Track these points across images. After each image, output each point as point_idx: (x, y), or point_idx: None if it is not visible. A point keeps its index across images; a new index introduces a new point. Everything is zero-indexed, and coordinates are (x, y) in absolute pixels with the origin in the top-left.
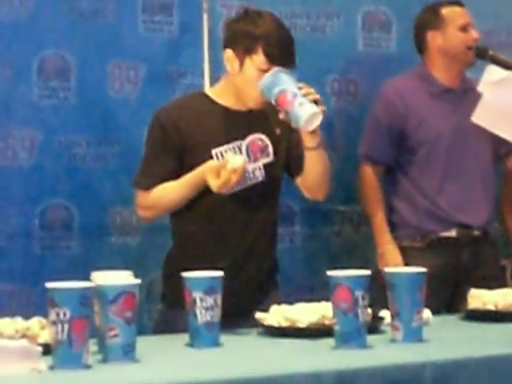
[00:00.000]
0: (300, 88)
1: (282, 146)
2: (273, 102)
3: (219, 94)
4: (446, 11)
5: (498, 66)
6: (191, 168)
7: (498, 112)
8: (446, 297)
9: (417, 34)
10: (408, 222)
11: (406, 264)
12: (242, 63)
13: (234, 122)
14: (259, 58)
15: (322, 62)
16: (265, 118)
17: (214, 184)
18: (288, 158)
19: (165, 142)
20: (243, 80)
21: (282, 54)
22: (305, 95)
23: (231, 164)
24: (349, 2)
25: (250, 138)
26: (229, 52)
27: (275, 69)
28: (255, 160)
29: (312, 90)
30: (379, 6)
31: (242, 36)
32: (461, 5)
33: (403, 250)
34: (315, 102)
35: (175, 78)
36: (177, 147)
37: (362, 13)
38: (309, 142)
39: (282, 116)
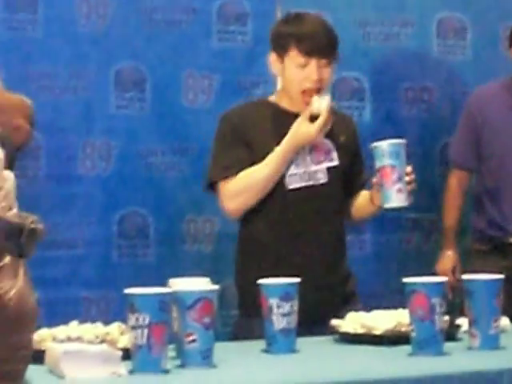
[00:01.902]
0: (407, 174)
1: (347, 154)
2: (376, 166)
3: (281, 98)
4: None
5: None
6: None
7: None
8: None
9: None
10: (475, 226)
11: (472, 267)
12: (283, 63)
13: None
14: (294, 53)
15: (396, 69)
16: (330, 123)
17: (312, 129)
18: (349, 173)
19: (234, 133)
20: (287, 79)
21: (316, 45)
22: (408, 183)
23: (316, 108)
24: (423, 9)
25: (313, 142)
26: (272, 56)
27: (396, 141)
28: (318, 163)
29: (414, 178)
30: (454, 12)
31: (277, 37)
32: None
33: (470, 254)
34: (412, 191)
35: (248, 88)
36: (244, 139)
37: (436, 20)
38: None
39: (375, 182)
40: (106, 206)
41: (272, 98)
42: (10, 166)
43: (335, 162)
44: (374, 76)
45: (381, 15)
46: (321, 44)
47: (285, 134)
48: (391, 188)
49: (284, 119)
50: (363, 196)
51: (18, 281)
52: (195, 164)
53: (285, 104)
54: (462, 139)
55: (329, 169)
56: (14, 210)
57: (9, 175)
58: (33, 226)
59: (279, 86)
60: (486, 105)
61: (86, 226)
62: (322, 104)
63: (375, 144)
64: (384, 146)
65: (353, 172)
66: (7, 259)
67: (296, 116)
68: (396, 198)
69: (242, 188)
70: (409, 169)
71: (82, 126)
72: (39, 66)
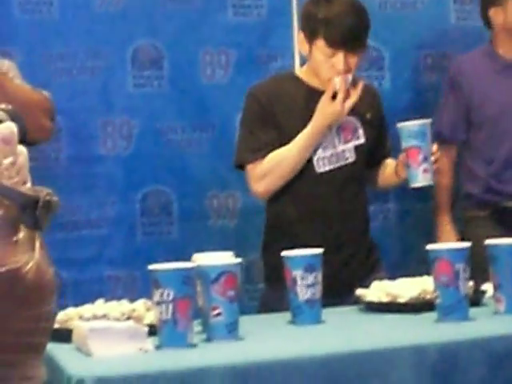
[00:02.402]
0: (432, 153)
1: (372, 131)
2: (402, 146)
3: (308, 75)
4: None
5: None
6: (282, 146)
7: None
8: None
9: (481, 9)
10: (472, 194)
11: (471, 234)
12: (310, 47)
13: None
14: (321, 43)
15: (414, 37)
16: (356, 100)
17: (337, 106)
18: (378, 142)
19: (262, 114)
20: (314, 63)
21: (344, 39)
22: (433, 162)
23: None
24: None
25: (340, 120)
26: (300, 35)
27: (422, 121)
28: (345, 142)
29: (439, 157)
30: None
31: (307, 20)
32: None
33: (468, 220)
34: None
35: (266, 62)
36: (273, 120)
37: None
38: (400, 175)
39: (401, 160)
40: (128, 184)
41: (300, 73)
42: (22, 141)
43: (362, 140)
44: (392, 45)
45: None
46: (349, 37)
47: (311, 111)
48: (417, 169)
49: (314, 98)
50: (388, 166)
51: (34, 254)
52: (216, 139)
53: (314, 82)
54: (450, 111)
55: (356, 147)
56: (28, 185)
57: (22, 150)
58: (48, 198)
59: (307, 63)
60: (471, 72)
61: (108, 206)
62: (341, 83)
63: (401, 124)
64: (410, 126)
65: (378, 144)
66: (23, 233)
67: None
68: (422, 177)
69: (270, 170)
70: (434, 148)
71: (101, 106)
72: (56, 48)
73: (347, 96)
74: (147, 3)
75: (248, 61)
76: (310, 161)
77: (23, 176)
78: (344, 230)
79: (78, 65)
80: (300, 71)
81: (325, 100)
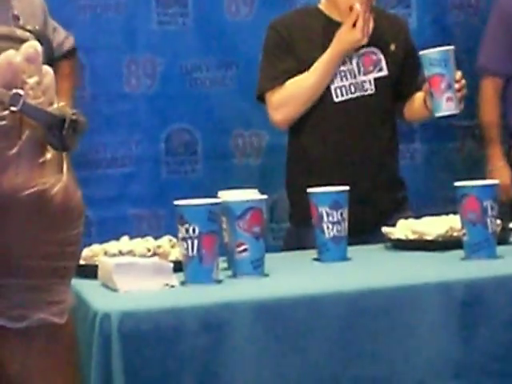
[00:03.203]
0: (456, 81)
1: (397, 63)
2: (425, 75)
3: (330, 7)
4: None
5: None
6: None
7: None
8: None
9: None
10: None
11: None
12: None
13: None
14: None
15: None
16: (379, 31)
17: (354, 35)
18: (400, 80)
19: (282, 44)
20: None
21: None
22: (457, 90)
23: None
24: None
25: (362, 51)
26: None
27: (445, 48)
28: (366, 73)
29: (464, 84)
30: None
31: None
32: None
33: (506, 154)
34: (462, 97)
35: None
36: (293, 50)
37: None
38: (428, 106)
39: (425, 89)
40: (152, 123)
41: (321, 6)
42: (48, 63)
43: (384, 72)
44: None
45: None
46: None
47: (331, 42)
48: (441, 97)
49: (333, 29)
50: (418, 99)
51: (62, 176)
52: (240, 78)
53: (334, 14)
54: (496, 43)
55: (377, 79)
56: (55, 106)
57: (47, 70)
58: (74, 117)
59: None
60: None
61: (133, 144)
62: (362, 9)
63: (422, 52)
64: (431, 54)
65: (405, 76)
66: (50, 154)
67: None
68: (446, 106)
69: (288, 97)
70: (458, 75)
71: (125, 43)
72: None
73: (367, 23)
74: None
75: None
76: (327, 89)
77: (50, 96)
78: (368, 165)
79: (102, 2)
80: (322, 4)
81: (345, 27)
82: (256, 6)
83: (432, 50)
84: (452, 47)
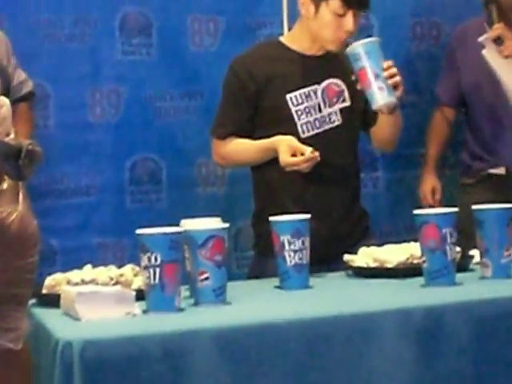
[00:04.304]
0: (384, 69)
1: (359, 92)
2: (354, 72)
3: (294, 39)
4: None
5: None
6: (266, 114)
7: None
8: None
9: None
10: (462, 161)
11: (460, 201)
12: (317, 7)
13: (310, 66)
14: (335, 3)
15: (405, 5)
16: (340, 62)
17: (284, 160)
18: (364, 108)
19: (239, 90)
20: (319, 24)
21: None
22: (387, 78)
23: (308, 154)
24: None
25: (325, 83)
26: None
27: (367, 40)
28: (331, 105)
29: (395, 72)
30: None
31: None
32: None
33: (458, 188)
34: (395, 86)
35: (254, 29)
36: (251, 95)
37: None
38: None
39: (358, 87)
40: (117, 152)
41: (287, 40)
42: (5, 94)
43: (347, 103)
44: (381, 13)
45: None
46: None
47: (302, 78)
48: (371, 88)
49: (302, 62)
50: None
51: (18, 205)
52: (204, 107)
53: (304, 46)
54: (446, 76)
55: (342, 110)
56: (12, 136)
57: (4, 101)
58: (30, 147)
59: (297, 26)
60: (464, 41)
61: (98, 174)
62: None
63: (347, 49)
64: (353, 49)
65: (368, 109)
66: (6, 183)
67: (315, 58)
68: (380, 97)
69: (229, 156)
70: (385, 64)
71: (90, 73)
72: (44, 15)
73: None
74: None
75: (237, 28)
76: (294, 126)
77: (6, 127)
78: (333, 196)
79: (67, 32)
80: (285, 37)
81: (283, 151)
82: (220, 36)
83: (353, 44)
84: (375, 38)
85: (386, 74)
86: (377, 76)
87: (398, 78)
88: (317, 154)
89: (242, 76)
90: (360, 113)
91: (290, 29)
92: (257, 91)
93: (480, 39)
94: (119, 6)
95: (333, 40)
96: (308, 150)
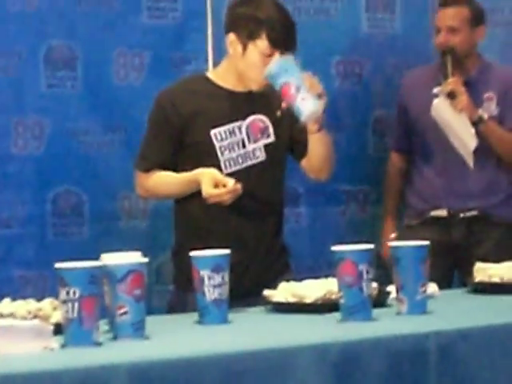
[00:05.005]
0: (304, 81)
1: (284, 128)
2: (277, 90)
3: (220, 76)
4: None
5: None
6: (190, 149)
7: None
8: (444, 273)
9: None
10: (407, 202)
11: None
12: (244, 47)
13: (235, 103)
14: (263, 43)
15: (327, 43)
16: (266, 99)
17: (207, 191)
18: (292, 142)
19: (164, 124)
20: (246, 64)
21: (285, 38)
22: (308, 88)
23: (231, 186)
24: None
25: (250, 119)
26: (231, 36)
27: (281, 57)
28: (255, 141)
29: (315, 81)
30: None
31: (245, 20)
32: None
33: (404, 229)
34: (319, 94)
35: (180, 65)
36: (176, 129)
37: None
38: (311, 126)
39: (284, 105)
40: (39, 184)
41: (213, 75)
42: None
43: (271, 139)
44: (304, 49)
45: None
46: (290, 38)
47: (227, 114)
48: (295, 102)
49: (227, 99)
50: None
51: None
52: (128, 141)
53: (230, 83)
54: (397, 123)
55: (266, 146)
56: None
57: None
58: None
59: (224, 63)
60: (413, 88)
61: (19, 206)
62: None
63: (264, 73)
64: (270, 69)
65: (298, 140)
66: None
67: (241, 95)
68: (304, 107)
69: (152, 189)
70: (304, 75)
71: (14, 105)
72: None
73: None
74: (62, 3)
75: (162, 63)
76: (217, 162)
77: None
78: (254, 230)
79: None
80: (212, 73)
81: (206, 183)
82: (145, 71)
83: (269, 66)
84: (289, 56)
85: (307, 83)
86: (298, 88)
87: (319, 87)
88: (239, 186)
89: (167, 110)
90: (285, 148)
91: (215, 64)
92: (181, 126)
93: (434, 91)
94: (44, 38)
95: (258, 80)
96: (230, 182)
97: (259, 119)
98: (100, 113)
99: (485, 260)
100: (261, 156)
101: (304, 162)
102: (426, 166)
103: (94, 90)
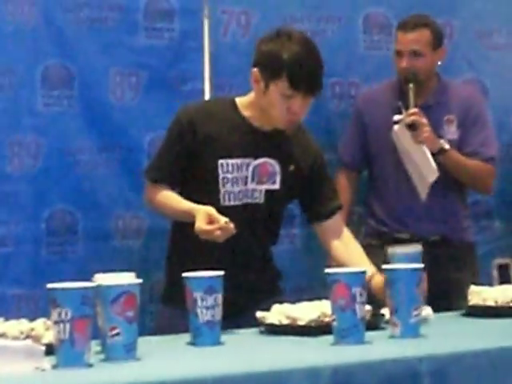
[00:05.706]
0: None
1: (293, 181)
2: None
3: (247, 105)
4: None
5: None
6: (195, 171)
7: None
8: None
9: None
10: (367, 223)
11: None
12: (266, 85)
13: (251, 139)
14: (283, 84)
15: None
16: (286, 148)
17: (199, 227)
18: (309, 200)
19: (177, 138)
20: (268, 102)
21: (308, 81)
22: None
23: (221, 223)
24: (349, 6)
25: (260, 161)
26: (255, 72)
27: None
28: (259, 183)
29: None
30: (379, 8)
31: (268, 58)
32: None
33: (364, 248)
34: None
35: (176, 85)
36: (187, 147)
37: (362, 16)
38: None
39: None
40: (34, 203)
41: (240, 103)
42: None
43: (276, 186)
44: None
45: (307, 12)
46: (313, 80)
47: (240, 148)
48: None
49: (246, 132)
50: (357, 256)
51: None
52: (123, 160)
53: (254, 115)
54: (350, 139)
55: (268, 191)
56: None
57: None
58: None
59: (253, 93)
60: (372, 105)
61: (14, 224)
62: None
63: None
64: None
65: (312, 198)
66: None
67: (260, 133)
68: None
69: (155, 204)
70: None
71: (9, 123)
72: None
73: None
74: (59, 23)
75: (158, 83)
76: (217, 192)
77: None
78: (245, 255)
79: None
80: (240, 100)
81: (200, 219)
82: (141, 90)
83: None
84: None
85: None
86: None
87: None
88: (232, 225)
89: (184, 126)
90: (286, 200)
91: (211, 85)
92: (193, 146)
93: (395, 118)
94: (41, 57)
95: (280, 120)
96: (223, 220)
97: (270, 163)
98: (96, 132)
99: (446, 282)
100: (259, 199)
101: (319, 232)
102: (386, 188)
103: (91, 109)
